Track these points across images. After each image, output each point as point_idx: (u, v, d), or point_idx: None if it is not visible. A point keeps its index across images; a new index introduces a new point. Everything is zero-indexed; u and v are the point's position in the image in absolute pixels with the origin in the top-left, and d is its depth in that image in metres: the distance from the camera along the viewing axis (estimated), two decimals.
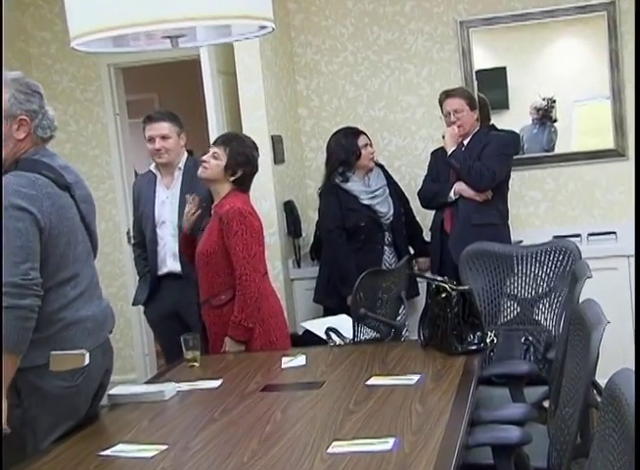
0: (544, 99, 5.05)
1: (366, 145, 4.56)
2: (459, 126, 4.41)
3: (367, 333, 3.52)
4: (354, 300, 3.47)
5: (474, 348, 2.98)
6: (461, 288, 3.06)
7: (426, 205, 4.64)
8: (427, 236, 4.75)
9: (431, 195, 4.55)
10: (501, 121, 5.05)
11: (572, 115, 5.12)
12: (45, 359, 2.50)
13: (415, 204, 4.73)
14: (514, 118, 5.14)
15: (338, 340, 3.45)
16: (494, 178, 4.35)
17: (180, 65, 5.55)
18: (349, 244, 4.46)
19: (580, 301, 2.58)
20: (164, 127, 4.06)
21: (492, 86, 5.13)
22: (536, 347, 3.51)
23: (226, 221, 3.44)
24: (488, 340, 3.43)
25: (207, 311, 3.55)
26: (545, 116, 5.08)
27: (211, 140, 4.00)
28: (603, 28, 4.89)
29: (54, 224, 2.50)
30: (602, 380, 1.77)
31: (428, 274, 4.35)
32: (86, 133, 5.63)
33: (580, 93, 5.07)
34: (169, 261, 4.12)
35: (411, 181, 5.12)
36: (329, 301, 4.52)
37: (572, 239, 4.15)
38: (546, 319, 3.65)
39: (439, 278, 3.18)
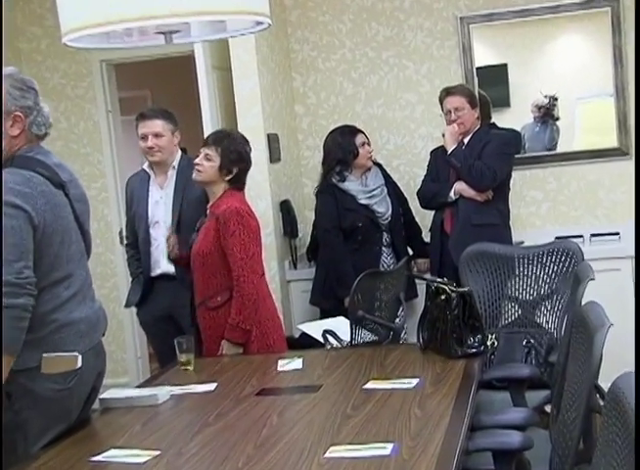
0: (546, 96, 5.02)
1: (364, 144, 4.54)
2: (459, 124, 4.39)
3: (365, 336, 3.51)
4: (352, 302, 3.45)
5: (474, 351, 2.96)
6: (461, 290, 3.05)
7: (425, 205, 4.62)
8: (426, 237, 4.73)
9: (430, 195, 4.53)
10: (502, 120, 5.03)
11: (575, 112, 5.10)
12: (37, 362, 2.49)
13: (414, 204, 4.71)
14: (515, 117, 5.11)
15: (335, 343, 3.47)
16: (495, 178, 4.33)
17: (174, 61, 5.53)
18: (346, 245, 4.44)
19: (583, 303, 2.56)
20: (158, 125, 4.02)
21: (493, 83, 5.11)
22: (538, 350, 3.50)
23: (223, 221, 3.41)
24: (489, 343, 3.43)
25: (203, 313, 3.53)
26: (547, 114, 5.05)
27: None
28: (606, 24, 4.86)
29: (48, 223, 2.48)
30: (605, 384, 1.75)
31: (427, 275, 4.34)
32: (77, 131, 5.60)
33: (583, 90, 5.04)
34: (163, 262, 4.08)
35: (410, 181, 5.09)
36: (325, 303, 4.50)
37: (575, 240, 4.13)
38: (548, 322, 3.64)
39: (439, 279, 3.17)
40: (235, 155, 3.51)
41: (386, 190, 4.60)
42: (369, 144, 4.58)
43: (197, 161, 3.53)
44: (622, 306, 4.33)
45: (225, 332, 3.41)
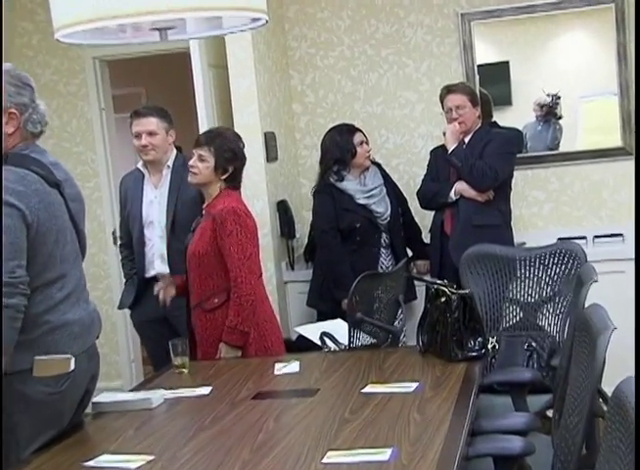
0: (549, 95, 4.99)
1: (362, 143, 4.51)
2: (460, 123, 4.37)
3: (363, 338, 3.49)
4: (350, 304, 3.44)
5: (474, 354, 2.95)
6: (461, 292, 3.04)
7: (425, 205, 4.59)
8: (426, 238, 4.71)
9: (430, 195, 4.50)
10: (504, 118, 5.00)
11: (578, 111, 5.07)
12: (29, 364, 2.47)
13: (414, 204, 4.69)
14: (517, 115, 5.09)
15: (333, 345, 3.46)
16: (497, 178, 4.31)
17: (169, 57, 5.51)
18: (344, 245, 4.42)
19: (586, 305, 2.55)
20: (152, 123, 3.99)
21: (494, 81, 5.08)
22: (540, 353, 3.49)
23: (220, 221, 3.39)
24: (490, 346, 3.44)
25: (199, 316, 3.49)
26: (550, 112, 5.02)
27: None
28: (611, 21, 4.82)
29: (42, 221, 2.47)
30: (608, 388, 1.76)
31: (427, 277, 4.33)
32: (70, 129, 5.58)
33: (587, 89, 5.01)
34: (157, 263, 4.06)
35: (410, 180, 5.07)
36: (323, 304, 4.48)
37: (578, 241, 4.12)
38: (550, 325, 3.63)
39: (439, 281, 3.16)
40: (229, 153, 3.48)
41: (384, 190, 4.58)
42: (367, 143, 4.56)
43: (191, 163, 3.50)
44: (626, 309, 4.28)
45: (223, 335, 3.38)
